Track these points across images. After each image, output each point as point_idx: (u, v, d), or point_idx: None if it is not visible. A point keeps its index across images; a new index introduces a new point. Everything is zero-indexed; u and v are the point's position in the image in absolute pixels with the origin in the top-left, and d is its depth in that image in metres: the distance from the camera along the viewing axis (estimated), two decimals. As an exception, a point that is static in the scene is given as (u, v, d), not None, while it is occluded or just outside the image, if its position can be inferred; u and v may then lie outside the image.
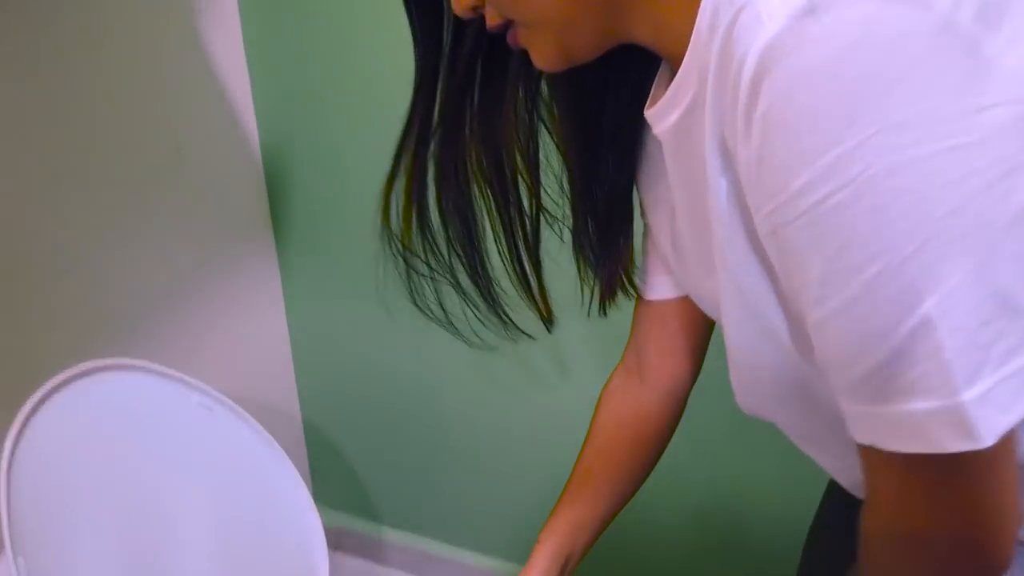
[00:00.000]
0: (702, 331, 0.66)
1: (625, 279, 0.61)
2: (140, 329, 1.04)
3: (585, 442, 0.71)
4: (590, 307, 0.61)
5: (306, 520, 0.99)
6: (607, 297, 0.61)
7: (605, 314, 0.62)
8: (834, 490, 0.75)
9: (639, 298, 0.65)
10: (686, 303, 0.62)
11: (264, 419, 0.97)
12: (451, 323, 0.61)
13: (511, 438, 1.31)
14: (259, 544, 0.96)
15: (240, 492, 0.95)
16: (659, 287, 0.62)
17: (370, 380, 1.37)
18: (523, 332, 0.61)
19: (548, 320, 0.61)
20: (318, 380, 1.42)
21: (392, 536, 1.53)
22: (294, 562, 0.99)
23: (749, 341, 0.48)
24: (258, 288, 1.28)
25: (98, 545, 0.79)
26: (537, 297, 0.60)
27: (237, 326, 1.23)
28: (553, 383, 1.20)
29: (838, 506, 0.73)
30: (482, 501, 1.41)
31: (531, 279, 0.59)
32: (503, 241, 0.58)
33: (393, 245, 0.58)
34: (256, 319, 1.28)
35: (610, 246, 0.59)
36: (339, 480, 1.51)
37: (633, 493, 0.69)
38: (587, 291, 0.61)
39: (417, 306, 0.59)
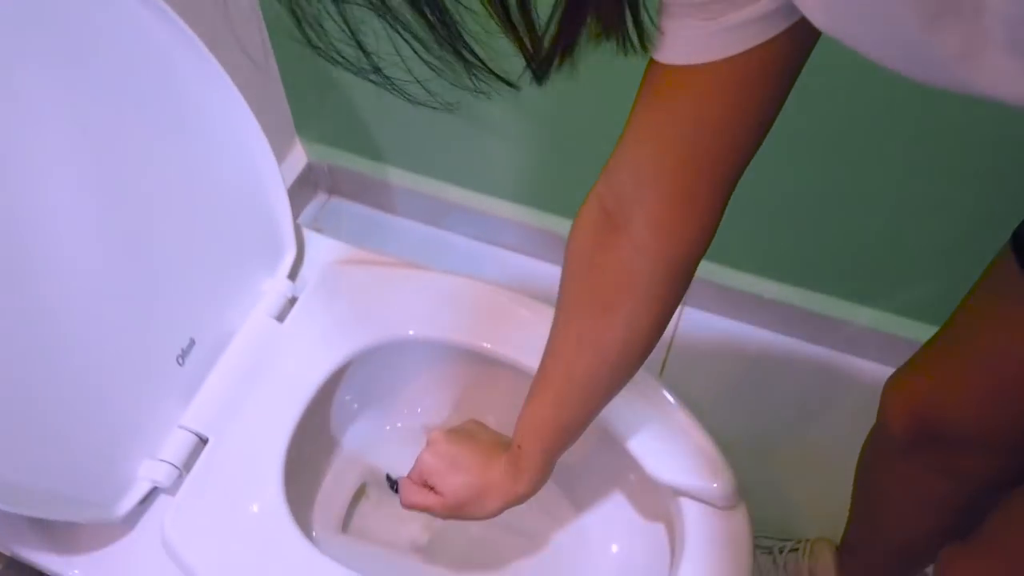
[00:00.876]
0: (749, 151, 0.41)
1: (628, 9, 0.34)
2: None
3: (559, 316, 0.54)
4: (530, 64, 0.35)
5: (244, 137, 0.69)
6: (564, 45, 0.35)
7: (542, 81, 0.37)
8: None
9: (650, 69, 0.39)
10: (761, 72, 0.37)
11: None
12: (379, 70, 0.37)
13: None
14: (173, 184, 0.65)
15: (125, 99, 0.59)
16: (705, 42, 0.36)
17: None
18: (500, 78, 0.37)
19: (535, 59, 0.36)
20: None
21: (400, 179, 1.33)
22: (237, 206, 0.71)
23: None
24: None
25: None
26: (516, 16, 0.34)
27: None
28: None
29: None
30: (491, 145, 1.20)
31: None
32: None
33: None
34: None
35: None
36: (328, 109, 1.24)
37: (631, 376, 0.55)
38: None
39: (314, 46, 0.35)
